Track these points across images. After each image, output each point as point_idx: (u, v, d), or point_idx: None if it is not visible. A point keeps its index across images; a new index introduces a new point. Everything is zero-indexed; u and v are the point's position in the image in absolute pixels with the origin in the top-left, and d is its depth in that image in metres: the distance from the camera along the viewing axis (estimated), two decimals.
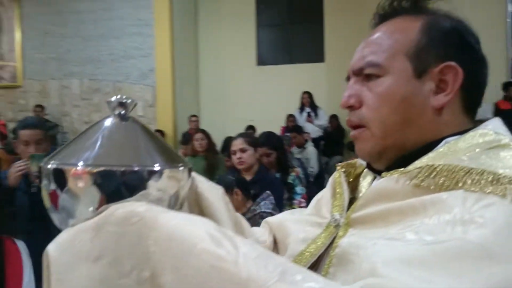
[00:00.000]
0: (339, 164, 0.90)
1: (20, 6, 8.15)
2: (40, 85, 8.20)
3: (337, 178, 0.87)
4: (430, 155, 0.70)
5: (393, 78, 0.75)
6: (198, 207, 0.79)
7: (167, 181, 0.66)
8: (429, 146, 0.72)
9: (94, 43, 7.97)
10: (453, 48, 0.75)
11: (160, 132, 6.90)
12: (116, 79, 7.95)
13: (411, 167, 0.68)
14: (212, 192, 0.80)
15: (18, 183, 2.44)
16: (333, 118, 7.64)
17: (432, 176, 0.64)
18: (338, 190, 0.85)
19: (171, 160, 0.68)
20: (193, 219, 0.58)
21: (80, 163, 0.63)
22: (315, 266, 0.79)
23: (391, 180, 0.69)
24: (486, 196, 0.58)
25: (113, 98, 0.70)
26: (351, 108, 0.78)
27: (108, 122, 0.69)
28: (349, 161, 0.90)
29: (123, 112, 0.70)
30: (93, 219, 0.59)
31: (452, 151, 0.69)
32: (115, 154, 0.64)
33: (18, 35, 8.21)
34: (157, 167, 0.65)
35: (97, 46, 7.96)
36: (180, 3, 7.90)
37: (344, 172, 0.87)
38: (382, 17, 0.81)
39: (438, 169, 0.64)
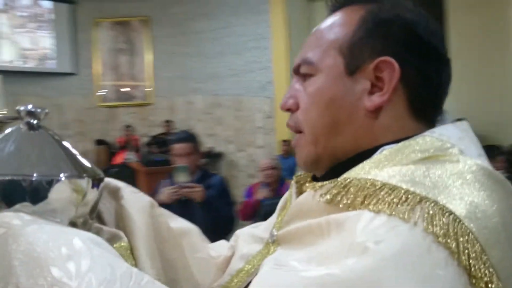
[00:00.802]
0: (297, 174, 0.78)
1: (150, 30, 8.85)
2: (169, 102, 8.81)
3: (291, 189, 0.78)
4: (362, 165, 0.60)
5: (323, 77, 0.67)
6: (121, 219, 0.74)
7: (62, 191, 0.63)
8: (364, 154, 0.62)
9: (214, 60, 8.38)
10: (393, 41, 0.64)
11: (286, 141, 6.93)
12: (237, 92, 8.27)
13: (327, 181, 0.58)
14: (136, 205, 0.75)
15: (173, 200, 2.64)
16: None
17: (343, 192, 0.55)
18: (288, 203, 0.77)
19: (77, 170, 0.66)
20: (49, 230, 0.56)
21: None
22: None
23: (309, 194, 0.60)
24: (387, 219, 0.50)
25: (22, 107, 0.68)
26: (289, 110, 0.71)
27: (17, 131, 0.67)
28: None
29: (33, 121, 0.68)
30: None
31: (385, 161, 0.58)
32: (14, 163, 0.62)
33: (149, 57, 8.91)
34: (44, 175, 0.62)
35: (217, 63, 8.36)
36: (295, 16, 8.00)
37: (297, 183, 0.75)
38: (333, 8, 0.72)
39: (350, 184, 0.55)
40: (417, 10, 0.67)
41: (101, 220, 0.75)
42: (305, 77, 0.69)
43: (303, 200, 0.61)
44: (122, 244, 0.70)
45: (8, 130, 0.67)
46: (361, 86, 0.64)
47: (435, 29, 0.66)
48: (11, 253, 0.53)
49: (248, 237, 0.86)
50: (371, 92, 0.64)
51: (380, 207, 0.51)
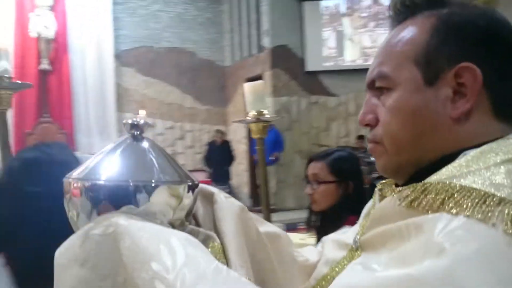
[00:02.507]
0: (381, 182, 0.77)
1: None
2: None
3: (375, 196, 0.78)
4: (445, 169, 0.58)
5: (402, 90, 0.66)
6: (215, 222, 0.79)
7: (162, 196, 0.69)
8: (447, 159, 0.61)
9: None
10: (469, 45, 0.63)
11: None
12: None
13: (407, 186, 0.58)
14: (228, 209, 0.79)
15: None
16: None
17: (422, 196, 0.55)
18: (371, 210, 0.76)
19: (174, 177, 0.72)
20: (152, 231, 0.62)
21: (73, 176, 0.70)
22: None
23: (389, 199, 0.60)
24: (465, 221, 0.49)
25: (129, 120, 0.75)
26: (368, 126, 0.71)
27: (124, 143, 0.74)
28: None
29: (136, 132, 0.75)
30: (83, 227, 0.65)
31: (465, 165, 0.57)
32: (121, 170, 0.69)
33: None
34: (147, 182, 0.68)
35: None
36: None
37: (380, 190, 0.75)
38: (396, 19, 0.71)
39: (430, 188, 0.55)
40: (488, 10, 0.65)
41: (197, 222, 0.81)
42: (381, 91, 0.69)
43: (384, 205, 0.62)
44: (215, 244, 0.74)
45: (117, 141, 0.76)
46: (443, 95, 0.64)
47: (510, 26, 0.64)
48: (120, 249, 0.61)
49: (334, 243, 0.88)
50: (453, 100, 0.64)
51: (458, 209, 0.51)
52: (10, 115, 8.77)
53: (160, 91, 10.28)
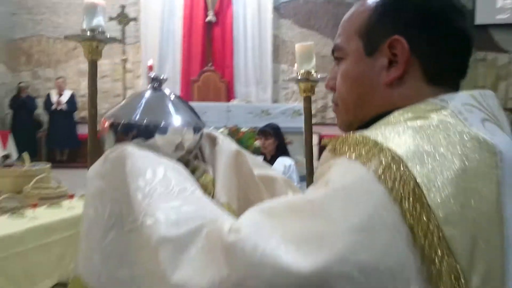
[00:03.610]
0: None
1: None
2: None
3: None
4: (372, 126, 0.72)
5: (349, 59, 0.79)
6: (214, 159, 0.98)
7: (166, 134, 0.88)
8: (380, 117, 0.74)
9: None
10: (402, 21, 0.74)
11: None
12: None
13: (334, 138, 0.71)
14: (224, 151, 0.97)
15: None
16: None
17: (340, 145, 0.67)
18: None
19: (183, 119, 0.90)
20: (149, 159, 0.82)
21: (106, 116, 0.91)
22: None
23: (326, 148, 0.72)
24: (351, 161, 0.63)
25: (151, 74, 0.94)
26: (332, 89, 0.85)
27: (147, 92, 0.94)
28: None
29: (156, 84, 0.94)
30: (106, 152, 0.86)
31: (386, 121, 0.71)
32: (142, 112, 0.89)
33: None
34: (154, 122, 0.88)
35: None
36: None
37: None
38: None
39: (348, 138, 0.67)
40: None
41: (203, 159, 0.99)
42: (338, 60, 0.82)
43: (323, 153, 0.72)
44: (208, 175, 0.94)
45: (141, 90, 0.96)
46: (379, 64, 0.75)
47: (451, 4, 0.74)
48: (125, 166, 0.80)
49: None
50: (388, 68, 0.75)
51: (352, 154, 0.64)
52: (178, 63, 9.63)
53: (316, 43, 10.30)
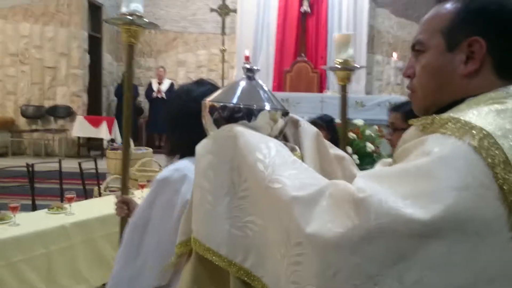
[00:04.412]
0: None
1: None
2: None
3: None
4: (452, 110, 0.88)
5: (431, 53, 0.94)
6: (298, 139, 1.11)
7: (265, 117, 1.00)
8: (456, 103, 0.89)
9: None
10: (482, 25, 0.89)
11: None
12: None
13: (422, 119, 0.87)
14: (307, 132, 1.12)
15: None
16: None
17: (430, 123, 0.83)
18: None
19: (273, 105, 1.02)
20: (257, 136, 0.94)
21: (209, 99, 1.03)
22: None
23: (412, 127, 0.89)
24: (447, 137, 0.77)
25: (247, 65, 1.06)
26: (408, 77, 0.99)
27: (242, 80, 1.05)
28: None
29: (250, 74, 1.05)
30: (215, 131, 0.99)
31: (465, 106, 0.86)
32: (240, 97, 1.01)
33: None
34: (256, 107, 0.99)
35: None
36: None
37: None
38: None
39: (436, 119, 0.83)
40: None
41: (287, 139, 1.11)
42: (418, 52, 0.96)
43: (408, 131, 0.90)
44: (296, 153, 1.04)
45: (237, 79, 1.07)
46: (458, 59, 0.90)
47: None
48: (237, 144, 0.92)
49: (385, 163, 1.19)
50: (466, 63, 0.90)
51: (445, 130, 0.78)
52: (272, 53, 9.74)
53: (413, 33, 9.88)
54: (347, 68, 2.12)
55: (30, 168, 4.96)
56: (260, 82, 1.07)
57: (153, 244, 1.54)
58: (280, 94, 7.01)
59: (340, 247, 0.71)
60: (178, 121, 1.64)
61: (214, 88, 1.61)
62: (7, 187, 5.31)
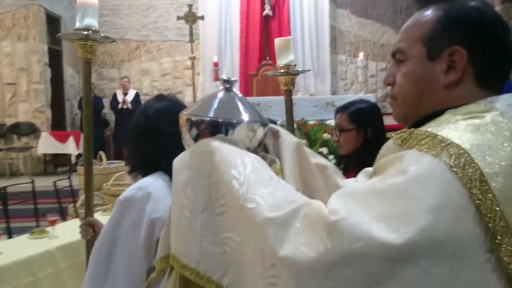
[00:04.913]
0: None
1: None
2: None
3: None
4: (431, 123, 0.86)
5: (412, 62, 0.92)
6: (278, 151, 1.06)
7: (242, 130, 0.97)
8: (436, 114, 0.88)
9: None
10: (463, 33, 0.87)
11: None
12: None
13: (400, 131, 0.86)
14: (287, 143, 1.06)
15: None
16: None
17: (408, 138, 0.82)
18: None
19: (251, 117, 0.99)
20: (234, 151, 0.91)
21: (185, 113, 1.01)
22: None
23: (390, 140, 0.87)
24: (424, 154, 0.76)
25: (224, 77, 1.03)
26: (389, 85, 0.98)
27: (220, 92, 1.03)
28: None
29: (228, 86, 1.03)
30: (192, 146, 0.97)
31: (444, 120, 0.84)
32: (217, 111, 0.98)
33: None
34: (234, 120, 0.97)
35: None
36: None
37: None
38: (417, 6, 0.96)
39: (414, 133, 0.82)
40: (483, 6, 0.89)
41: (267, 150, 1.09)
42: (399, 61, 0.94)
43: (387, 144, 0.88)
44: (276, 165, 1.02)
45: (214, 91, 1.04)
46: (439, 68, 0.88)
47: (499, 21, 0.90)
48: (214, 160, 0.90)
49: (366, 173, 1.15)
50: (447, 72, 0.88)
51: (422, 147, 0.77)
52: (236, 58, 9.74)
53: (374, 32, 10.10)
54: (290, 73, 2.11)
55: (2, 191, 4.78)
56: (238, 93, 1.05)
57: (122, 266, 1.51)
58: (251, 99, 6.99)
59: (314, 271, 0.70)
60: (137, 138, 1.67)
61: (172, 104, 1.65)
62: None
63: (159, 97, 1.72)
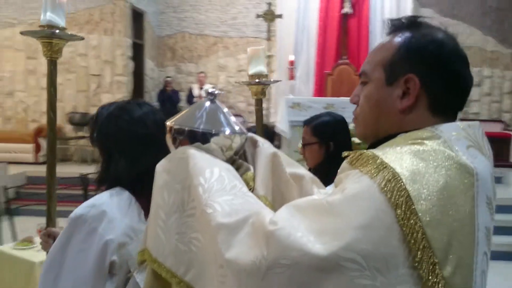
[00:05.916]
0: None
1: None
2: None
3: None
4: (384, 144, 0.93)
5: (373, 85, 0.99)
6: (255, 160, 1.15)
7: (218, 140, 1.07)
8: (390, 137, 0.95)
9: None
10: (419, 63, 0.94)
11: None
12: None
13: (352, 152, 0.93)
14: (263, 153, 1.15)
15: None
16: None
17: (356, 159, 0.88)
18: None
19: (231, 128, 1.09)
20: (207, 160, 1.01)
21: (169, 121, 1.10)
22: None
23: (345, 160, 0.93)
24: (362, 175, 0.84)
25: (209, 89, 1.14)
26: (355, 104, 1.04)
27: (204, 102, 1.13)
28: None
29: (211, 98, 1.13)
30: (172, 152, 1.06)
31: (394, 142, 0.91)
32: (198, 121, 1.08)
33: None
34: (213, 131, 1.08)
35: None
36: None
37: None
38: (388, 32, 1.02)
39: (363, 154, 0.88)
40: (447, 38, 0.96)
41: (246, 159, 1.16)
42: (363, 83, 1.03)
43: (343, 163, 0.94)
44: (249, 173, 1.10)
45: (199, 102, 1.14)
46: (396, 93, 0.97)
47: (457, 54, 0.96)
48: (188, 166, 0.97)
49: None
50: (402, 98, 0.96)
51: (363, 168, 0.85)
52: (312, 56, 9.62)
53: (460, 33, 9.55)
54: (261, 83, 2.08)
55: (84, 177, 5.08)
56: (220, 105, 1.14)
57: None
58: (325, 100, 6.88)
59: (252, 274, 0.78)
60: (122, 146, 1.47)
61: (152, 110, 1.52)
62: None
63: (142, 103, 1.57)
